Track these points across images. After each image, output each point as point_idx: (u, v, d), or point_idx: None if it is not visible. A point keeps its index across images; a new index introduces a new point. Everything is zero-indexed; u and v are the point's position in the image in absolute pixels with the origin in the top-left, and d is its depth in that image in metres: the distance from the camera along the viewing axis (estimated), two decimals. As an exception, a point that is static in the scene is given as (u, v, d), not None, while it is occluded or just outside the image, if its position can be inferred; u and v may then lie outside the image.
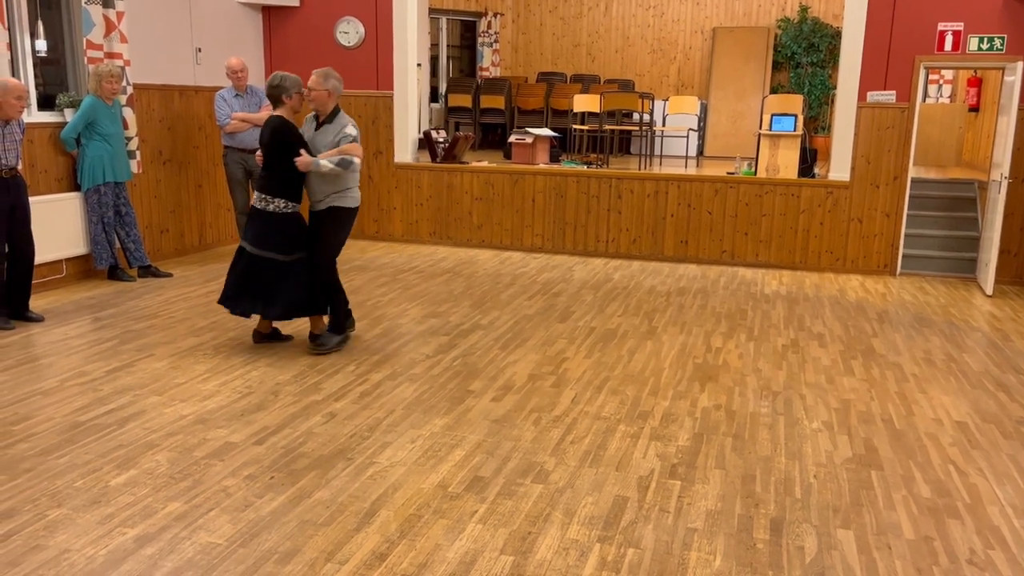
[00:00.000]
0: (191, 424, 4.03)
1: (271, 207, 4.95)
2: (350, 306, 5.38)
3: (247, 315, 5.10)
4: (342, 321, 5.23)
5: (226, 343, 5.31)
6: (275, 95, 4.91)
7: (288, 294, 5.00)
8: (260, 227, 4.96)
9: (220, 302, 5.10)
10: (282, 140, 4.86)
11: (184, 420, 4.08)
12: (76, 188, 6.73)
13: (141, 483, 3.41)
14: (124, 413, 4.15)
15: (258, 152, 5.02)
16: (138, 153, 7.27)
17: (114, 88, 6.57)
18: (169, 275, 7.17)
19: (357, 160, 4.93)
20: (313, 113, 5.07)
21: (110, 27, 6.86)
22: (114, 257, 6.87)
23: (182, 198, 8.07)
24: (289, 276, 4.99)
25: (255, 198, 5.02)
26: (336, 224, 5.08)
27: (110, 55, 6.90)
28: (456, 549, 2.97)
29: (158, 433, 3.92)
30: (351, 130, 4.94)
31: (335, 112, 5.01)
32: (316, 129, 5.01)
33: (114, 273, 6.95)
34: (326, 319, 5.24)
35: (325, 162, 4.85)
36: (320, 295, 5.11)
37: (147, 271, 7.09)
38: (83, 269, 6.91)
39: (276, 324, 5.37)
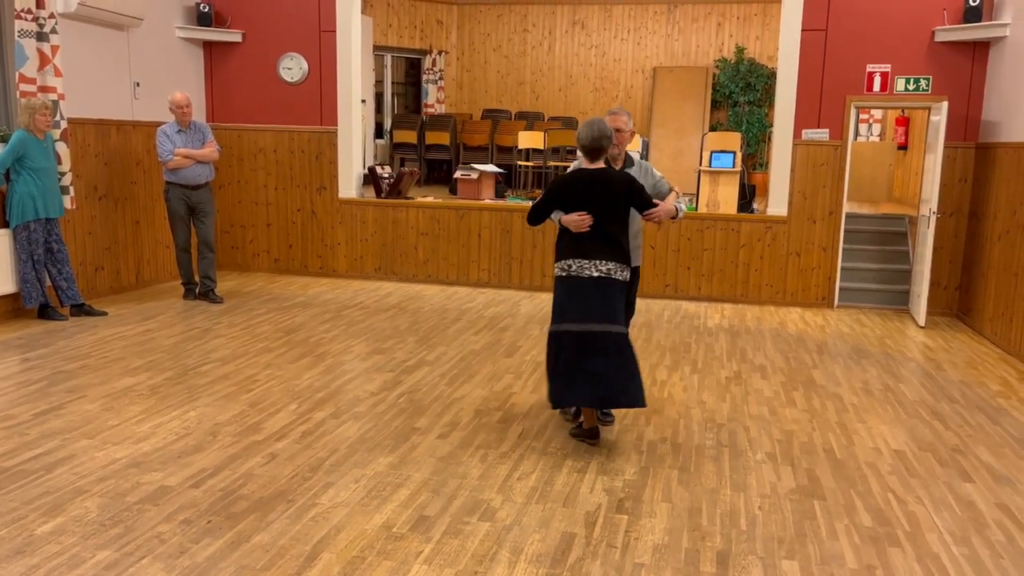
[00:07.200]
0: (124, 468, 3.88)
1: (622, 274, 4.24)
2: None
3: (599, 406, 4.32)
4: None
5: (163, 383, 5.15)
6: (604, 146, 4.17)
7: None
8: (613, 300, 4.20)
9: (561, 403, 4.33)
10: (641, 190, 4.25)
11: (116, 464, 3.92)
12: (5, 225, 6.50)
13: (69, 531, 3.26)
14: (52, 458, 3.97)
15: (580, 217, 4.13)
16: (71, 189, 7.07)
17: (47, 121, 6.41)
18: (104, 313, 6.95)
19: None
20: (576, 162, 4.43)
21: (44, 61, 6.70)
22: (44, 296, 6.64)
23: (118, 235, 7.87)
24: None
25: (602, 267, 4.17)
26: (637, 282, 4.65)
27: (44, 89, 6.74)
28: (401, 592, 2.89)
29: (88, 478, 3.76)
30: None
31: (627, 155, 4.56)
32: None
33: (44, 312, 6.71)
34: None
35: (682, 205, 4.45)
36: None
37: (80, 310, 6.86)
38: (12, 308, 6.65)
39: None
